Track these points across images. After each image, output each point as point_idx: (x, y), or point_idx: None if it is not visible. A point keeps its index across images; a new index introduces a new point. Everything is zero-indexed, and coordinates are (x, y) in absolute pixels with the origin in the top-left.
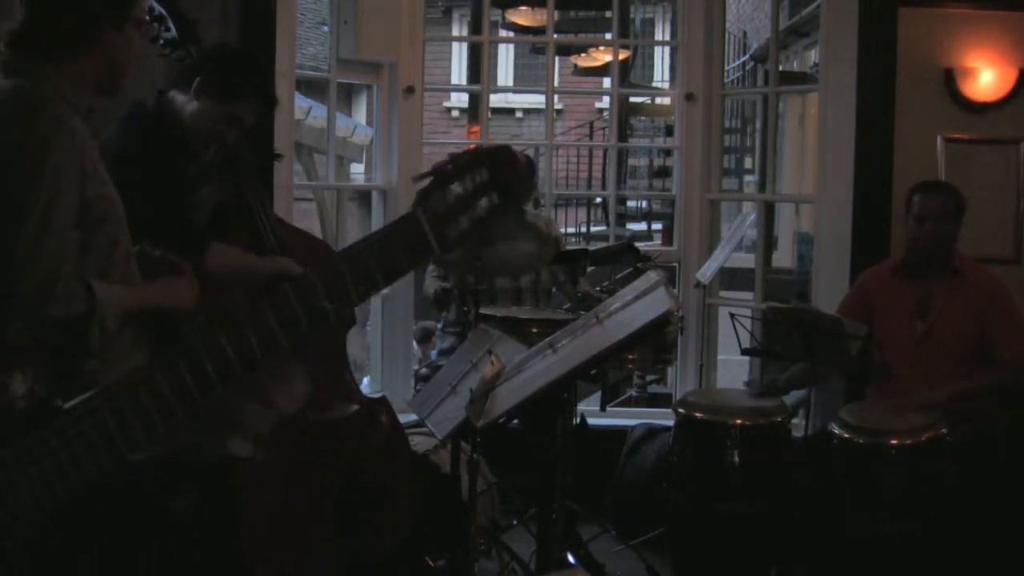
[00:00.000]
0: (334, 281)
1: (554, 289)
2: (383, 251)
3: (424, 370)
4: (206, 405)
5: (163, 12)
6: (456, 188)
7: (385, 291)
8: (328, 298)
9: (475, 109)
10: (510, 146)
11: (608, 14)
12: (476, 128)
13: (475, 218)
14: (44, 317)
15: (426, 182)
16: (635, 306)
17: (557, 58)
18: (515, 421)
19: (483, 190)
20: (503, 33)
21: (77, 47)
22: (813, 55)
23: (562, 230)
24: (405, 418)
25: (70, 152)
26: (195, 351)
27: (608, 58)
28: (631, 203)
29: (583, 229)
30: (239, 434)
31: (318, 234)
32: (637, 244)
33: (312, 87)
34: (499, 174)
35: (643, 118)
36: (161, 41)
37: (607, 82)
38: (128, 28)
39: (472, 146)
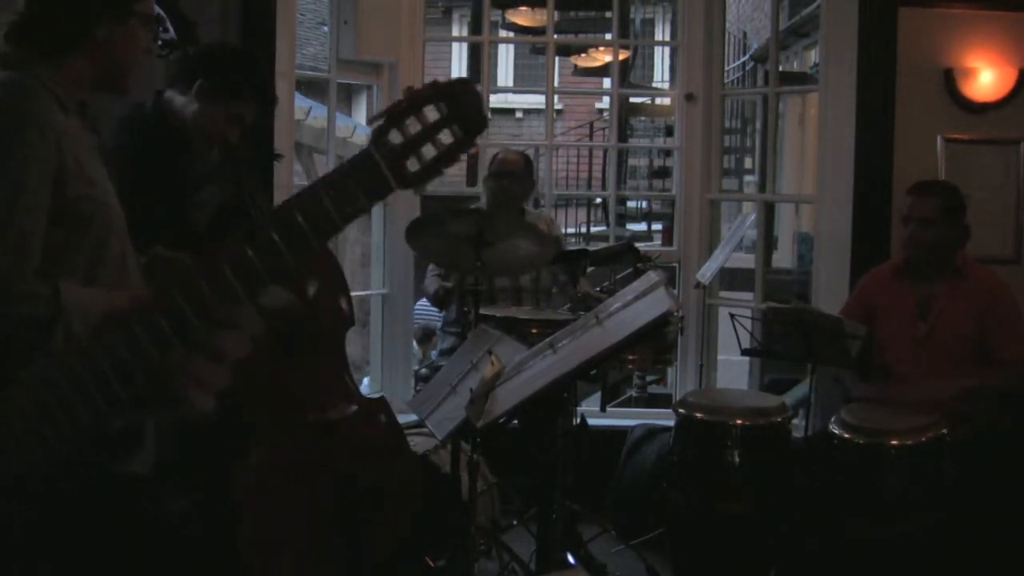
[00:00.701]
0: (290, 226)
1: (554, 289)
2: (339, 191)
3: (424, 370)
4: (164, 364)
5: (162, 13)
6: (413, 124)
7: (385, 291)
8: (285, 243)
9: None
10: (467, 79)
11: (608, 14)
12: None
13: (437, 153)
14: (2, 315)
15: (382, 120)
16: (635, 306)
17: (557, 58)
18: (515, 421)
19: (442, 124)
20: (503, 33)
21: (76, 41)
22: (813, 55)
23: (562, 230)
24: (405, 418)
25: (41, 148)
26: (148, 310)
27: (608, 58)
28: (631, 203)
29: (583, 229)
30: (196, 389)
31: None
32: (637, 244)
33: (312, 87)
34: (458, 106)
35: (643, 118)
36: (160, 42)
37: (607, 82)
38: (132, 23)
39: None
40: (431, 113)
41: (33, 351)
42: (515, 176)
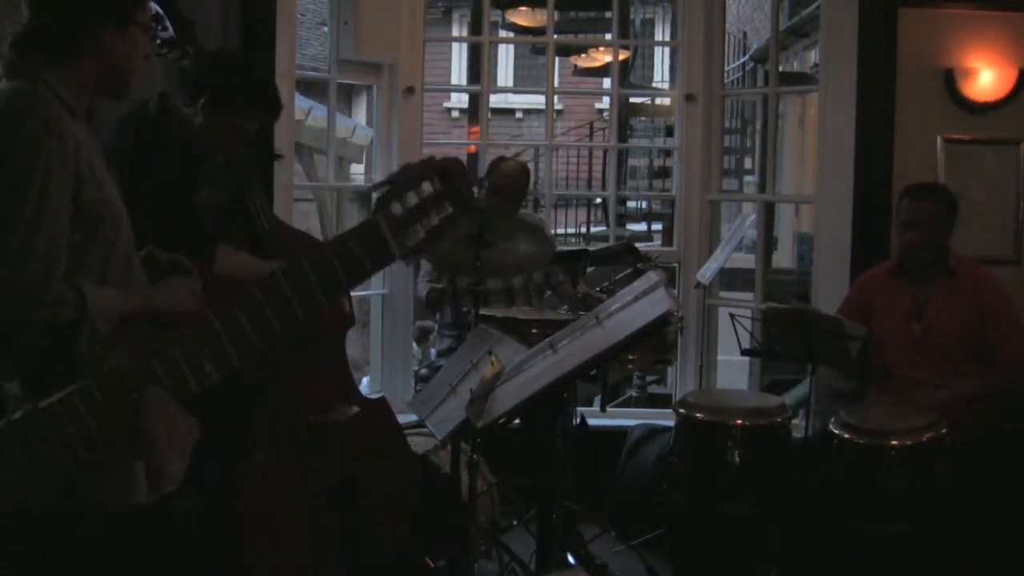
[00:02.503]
0: (302, 284)
1: (548, 292)
2: (347, 256)
3: (424, 370)
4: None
5: (160, 11)
6: (411, 197)
7: (385, 291)
8: (297, 299)
9: (475, 110)
10: (459, 158)
11: (608, 14)
12: (476, 129)
13: (430, 226)
14: (31, 322)
15: (383, 190)
16: (635, 307)
17: (557, 59)
18: (515, 422)
19: (437, 199)
20: (503, 34)
21: (78, 49)
22: (813, 55)
23: (562, 231)
24: (405, 418)
25: (61, 155)
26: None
27: (608, 58)
28: (631, 204)
29: (583, 230)
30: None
31: (318, 235)
32: (637, 245)
33: (312, 87)
34: (450, 184)
35: (643, 118)
36: (159, 41)
37: (607, 82)
38: (132, 30)
39: (427, 157)
40: (427, 186)
41: (65, 353)
42: (516, 194)
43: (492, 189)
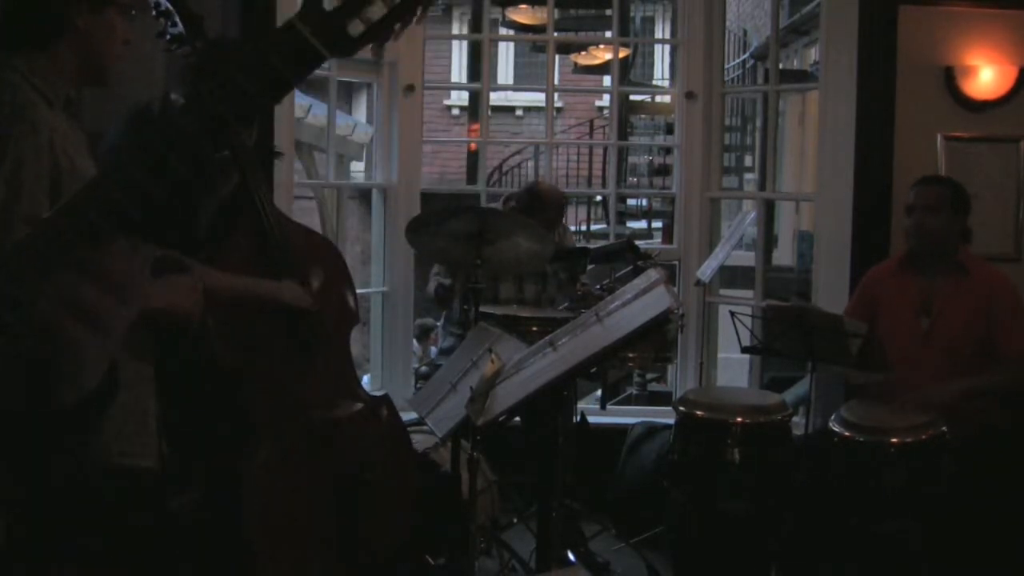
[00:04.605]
0: (234, 87)
1: (558, 300)
2: (261, 64)
3: (424, 368)
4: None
5: (169, 7)
6: None
7: (385, 289)
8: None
9: (475, 107)
10: None
11: (608, 12)
12: (476, 126)
13: (387, 10)
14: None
15: None
16: (635, 304)
17: (557, 56)
18: (515, 419)
19: None
20: (503, 31)
21: (52, 34)
22: (813, 53)
23: (574, 239)
24: (405, 416)
25: (33, 144)
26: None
27: (608, 56)
28: (631, 201)
29: (583, 227)
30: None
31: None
32: (637, 242)
33: (312, 85)
34: None
35: (643, 116)
36: (168, 36)
37: (607, 80)
38: (108, 13)
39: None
40: None
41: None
42: (551, 220)
43: (528, 212)
